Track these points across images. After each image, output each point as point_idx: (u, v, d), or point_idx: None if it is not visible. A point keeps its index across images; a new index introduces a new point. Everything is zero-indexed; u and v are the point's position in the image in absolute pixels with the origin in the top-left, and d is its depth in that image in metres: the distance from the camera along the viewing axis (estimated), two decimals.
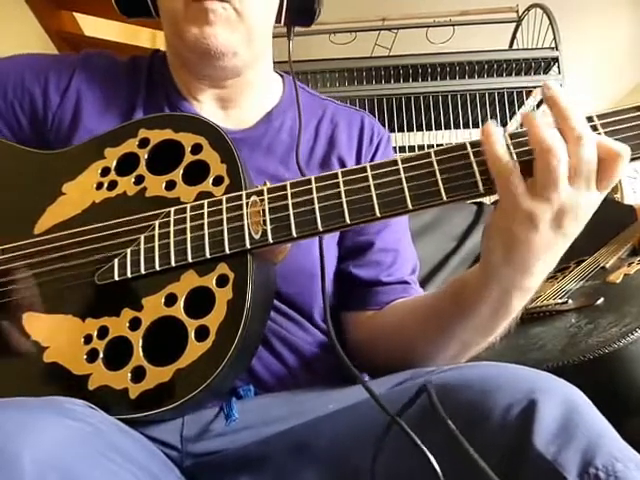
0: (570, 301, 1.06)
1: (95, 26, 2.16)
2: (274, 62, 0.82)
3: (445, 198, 0.51)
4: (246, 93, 0.77)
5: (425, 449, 0.43)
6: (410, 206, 0.52)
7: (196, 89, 0.75)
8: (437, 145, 1.86)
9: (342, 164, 0.76)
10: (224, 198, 0.57)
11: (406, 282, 0.76)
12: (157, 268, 0.55)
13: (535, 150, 0.49)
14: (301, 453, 0.56)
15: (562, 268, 1.26)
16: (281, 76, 0.83)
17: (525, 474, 0.43)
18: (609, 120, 0.50)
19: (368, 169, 0.54)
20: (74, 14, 2.12)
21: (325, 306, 0.59)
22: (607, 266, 1.18)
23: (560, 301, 1.07)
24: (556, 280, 1.20)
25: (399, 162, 0.53)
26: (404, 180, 0.52)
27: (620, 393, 0.86)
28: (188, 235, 0.55)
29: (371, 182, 0.53)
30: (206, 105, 0.76)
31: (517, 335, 1.05)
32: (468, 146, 0.52)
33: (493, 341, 0.64)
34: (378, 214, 0.52)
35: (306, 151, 0.75)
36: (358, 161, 0.78)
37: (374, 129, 0.81)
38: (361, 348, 0.74)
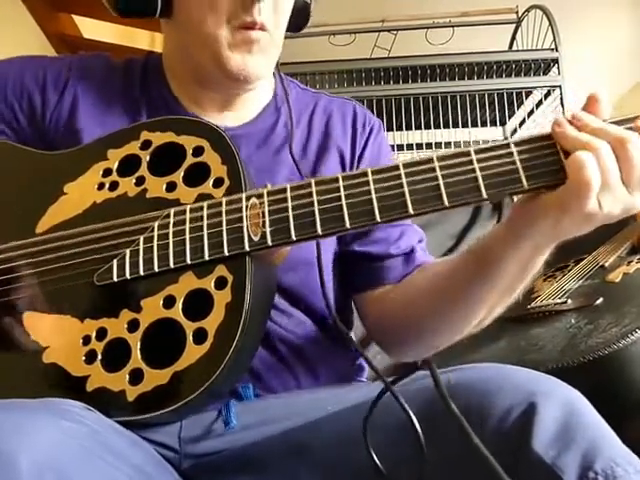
0: (569, 301, 1.06)
1: (93, 28, 2.16)
2: None
3: (447, 204, 0.50)
4: (247, 97, 0.77)
5: (411, 412, 0.44)
6: (411, 211, 0.51)
7: (200, 96, 0.75)
8: (437, 143, 1.88)
9: (339, 153, 0.77)
10: (224, 200, 0.56)
11: (415, 250, 0.75)
12: (156, 269, 0.55)
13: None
14: (301, 454, 0.56)
15: (561, 267, 1.26)
16: (273, 73, 0.84)
17: (524, 477, 0.43)
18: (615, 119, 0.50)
19: (369, 174, 0.53)
20: (72, 16, 2.12)
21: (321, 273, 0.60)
22: (606, 265, 1.17)
23: (559, 301, 1.07)
24: (555, 279, 1.19)
25: (401, 167, 0.52)
26: (405, 185, 0.51)
27: (620, 394, 0.86)
28: (187, 236, 0.55)
29: (372, 186, 0.52)
30: (205, 110, 0.76)
31: (517, 336, 1.05)
32: (472, 153, 0.51)
33: (516, 297, 0.64)
34: (378, 219, 0.52)
35: (300, 145, 0.76)
36: (353, 148, 0.78)
37: (366, 117, 0.82)
38: (379, 330, 0.73)
